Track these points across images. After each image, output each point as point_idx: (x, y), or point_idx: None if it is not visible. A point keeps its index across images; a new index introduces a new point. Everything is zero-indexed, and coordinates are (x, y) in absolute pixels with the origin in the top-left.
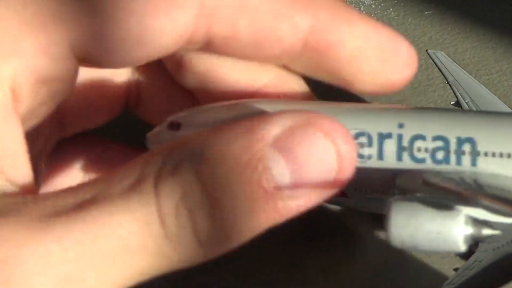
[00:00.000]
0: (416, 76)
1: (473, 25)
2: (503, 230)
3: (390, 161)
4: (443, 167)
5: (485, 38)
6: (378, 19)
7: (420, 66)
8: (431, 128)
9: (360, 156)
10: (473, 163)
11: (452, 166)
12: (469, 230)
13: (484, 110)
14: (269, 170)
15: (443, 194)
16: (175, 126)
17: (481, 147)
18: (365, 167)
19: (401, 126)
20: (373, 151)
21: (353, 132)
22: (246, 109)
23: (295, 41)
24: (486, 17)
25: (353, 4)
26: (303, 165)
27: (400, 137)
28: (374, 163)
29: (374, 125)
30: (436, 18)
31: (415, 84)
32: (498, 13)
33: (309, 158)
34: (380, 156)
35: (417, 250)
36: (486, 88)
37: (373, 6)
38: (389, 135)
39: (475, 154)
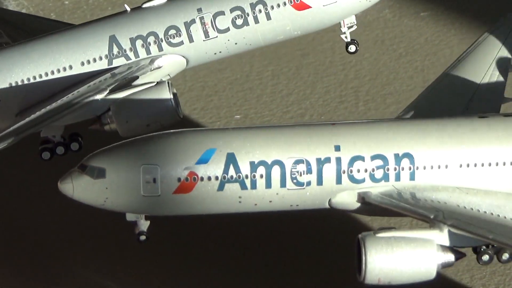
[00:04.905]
0: (411, 78)
1: (469, 26)
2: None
3: (329, 185)
4: (381, 184)
5: None
6: (374, 20)
7: (415, 68)
8: (369, 147)
9: (299, 183)
10: (412, 178)
11: (390, 183)
12: (442, 258)
13: (418, 118)
14: None
15: (383, 211)
16: (100, 172)
17: (418, 162)
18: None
19: (337, 149)
20: (312, 177)
21: (291, 160)
22: (169, 139)
23: None
24: (482, 19)
25: None
26: None
27: (339, 161)
28: (313, 189)
29: (312, 151)
30: (432, 19)
31: (410, 86)
32: (494, 15)
33: None
34: (320, 181)
35: (392, 284)
36: None
37: (369, 8)
38: (327, 160)
39: (413, 169)
